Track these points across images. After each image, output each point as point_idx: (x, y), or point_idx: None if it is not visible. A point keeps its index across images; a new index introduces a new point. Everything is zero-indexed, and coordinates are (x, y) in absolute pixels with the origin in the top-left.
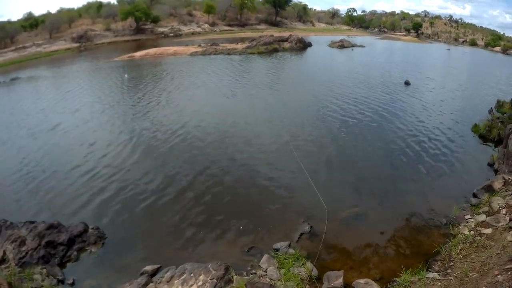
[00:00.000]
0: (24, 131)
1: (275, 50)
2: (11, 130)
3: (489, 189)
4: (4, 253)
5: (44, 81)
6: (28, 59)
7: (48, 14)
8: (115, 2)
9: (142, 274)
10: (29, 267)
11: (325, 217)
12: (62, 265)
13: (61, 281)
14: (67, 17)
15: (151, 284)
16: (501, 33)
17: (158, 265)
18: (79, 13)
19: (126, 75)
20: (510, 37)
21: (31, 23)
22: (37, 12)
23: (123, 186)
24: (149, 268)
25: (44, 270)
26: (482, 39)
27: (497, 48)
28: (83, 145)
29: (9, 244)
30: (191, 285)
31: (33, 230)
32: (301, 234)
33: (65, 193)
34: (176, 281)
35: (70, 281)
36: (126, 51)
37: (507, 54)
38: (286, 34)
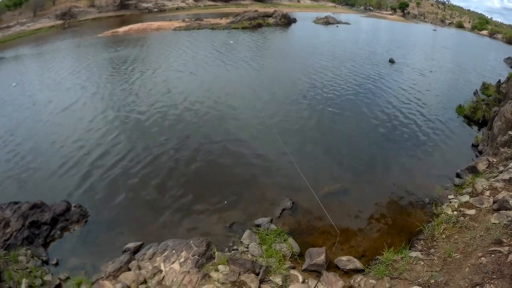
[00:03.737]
0: (5, 111)
1: (259, 25)
2: None
3: (473, 170)
4: None
5: (28, 60)
6: (12, 38)
7: None
8: None
9: (124, 251)
10: (14, 249)
11: (307, 194)
12: (46, 245)
13: (46, 262)
14: None
15: (133, 262)
16: (489, 17)
17: (141, 242)
18: None
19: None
20: (497, 21)
21: (15, 2)
22: None
23: (105, 163)
24: (131, 245)
25: (29, 251)
26: (469, 22)
27: (484, 32)
28: (65, 123)
29: None
30: (173, 262)
31: (17, 211)
32: (283, 210)
33: (47, 172)
34: (158, 258)
35: (54, 261)
36: (109, 27)
37: (494, 38)
38: (270, 9)
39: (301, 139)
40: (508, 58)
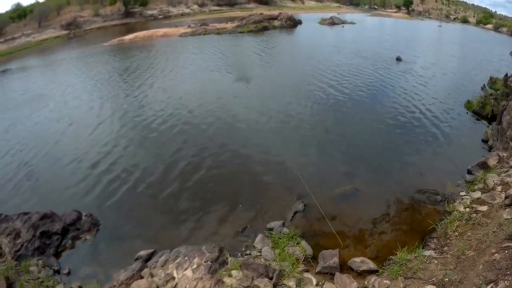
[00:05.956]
0: (13, 122)
1: (265, 28)
2: None
3: (484, 166)
4: (0, 247)
5: (34, 71)
6: (17, 50)
7: (36, 3)
8: None
9: (136, 259)
10: (25, 260)
11: (319, 196)
12: (57, 255)
13: (57, 271)
14: (56, 5)
15: (145, 269)
16: (493, 11)
17: (153, 250)
18: (67, 0)
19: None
20: (502, 15)
21: (19, 13)
22: (25, 2)
23: (115, 171)
24: (143, 253)
25: (40, 262)
26: (474, 16)
27: (489, 26)
28: (74, 131)
29: (5, 238)
30: (186, 268)
31: (27, 222)
32: (295, 212)
33: (57, 181)
34: (170, 265)
35: (66, 271)
36: (115, 36)
37: (499, 32)
38: (275, 12)
39: (313, 140)
40: None
